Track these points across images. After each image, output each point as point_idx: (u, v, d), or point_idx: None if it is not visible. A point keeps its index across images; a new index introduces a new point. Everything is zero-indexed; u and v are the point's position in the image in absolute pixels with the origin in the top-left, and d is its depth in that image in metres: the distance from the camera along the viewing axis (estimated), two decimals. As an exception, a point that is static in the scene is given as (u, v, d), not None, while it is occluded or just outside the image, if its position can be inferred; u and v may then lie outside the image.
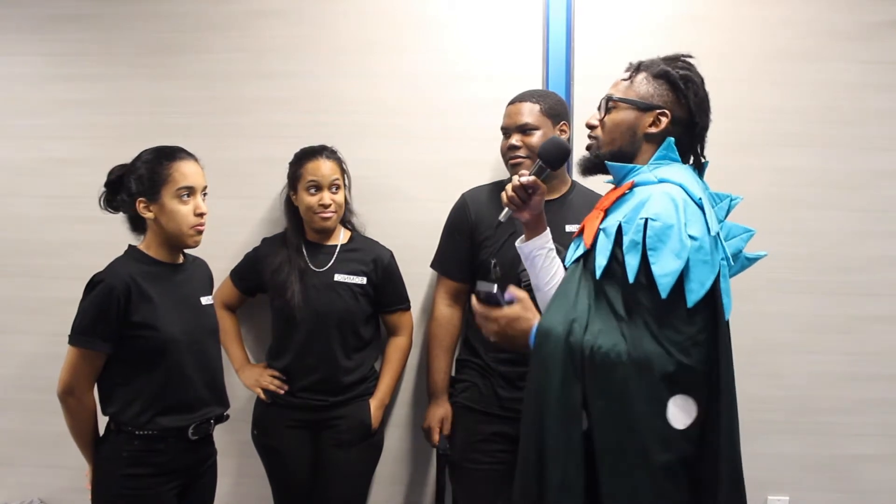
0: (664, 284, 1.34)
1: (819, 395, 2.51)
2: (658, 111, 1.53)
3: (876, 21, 2.47)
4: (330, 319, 2.28)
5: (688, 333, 1.35)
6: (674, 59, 1.58)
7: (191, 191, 1.93)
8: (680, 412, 1.35)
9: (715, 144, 2.41)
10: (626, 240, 1.40)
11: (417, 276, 2.49)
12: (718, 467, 1.38)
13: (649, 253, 1.36)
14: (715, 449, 1.38)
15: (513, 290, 1.52)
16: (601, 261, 1.42)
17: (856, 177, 2.49)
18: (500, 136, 2.28)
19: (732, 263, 1.52)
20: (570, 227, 2.15)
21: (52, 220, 2.62)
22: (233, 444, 2.45)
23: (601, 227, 1.48)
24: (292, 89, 2.56)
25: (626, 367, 1.33)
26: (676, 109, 1.53)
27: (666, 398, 1.34)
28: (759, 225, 1.64)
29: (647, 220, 1.38)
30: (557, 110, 2.23)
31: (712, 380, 1.39)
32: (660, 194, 1.41)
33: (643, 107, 1.54)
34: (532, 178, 1.67)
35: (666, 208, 1.38)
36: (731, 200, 1.59)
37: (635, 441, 1.35)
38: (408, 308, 2.45)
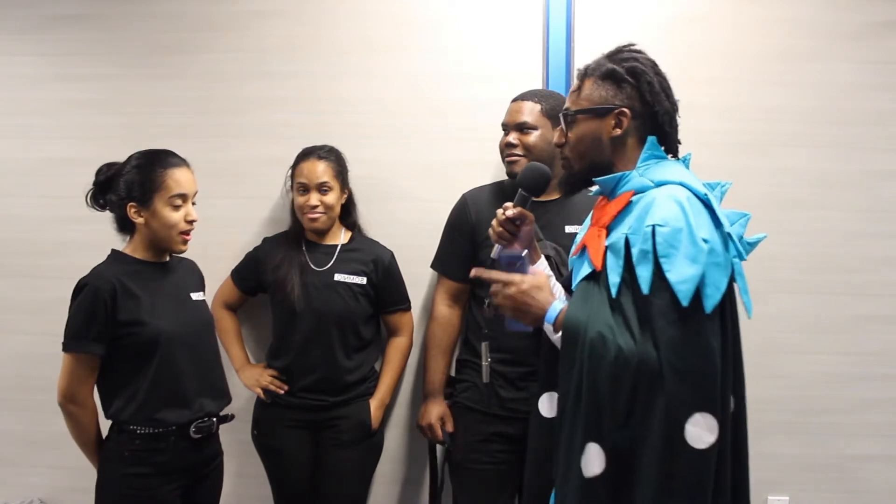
0: (684, 292, 1.29)
1: (819, 395, 2.51)
2: (616, 111, 1.48)
3: (876, 21, 2.47)
4: (330, 319, 2.28)
5: (707, 345, 1.30)
6: (617, 53, 1.53)
7: (183, 198, 1.94)
8: (700, 431, 1.29)
9: (715, 144, 2.45)
10: (634, 251, 1.35)
11: (417, 276, 2.49)
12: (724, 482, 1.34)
13: (662, 261, 1.31)
14: (724, 462, 1.34)
15: (534, 269, 1.53)
16: (614, 278, 1.36)
17: (856, 177, 2.49)
18: (501, 135, 2.28)
19: (745, 257, 1.45)
20: (569, 228, 2.15)
21: (52, 220, 2.62)
22: (233, 444, 2.44)
23: (607, 244, 1.42)
24: (292, 89, 2.56)
25: (642, 384, 1.30)
26: (633, 104, 1.48)
27: (683, 420, 1.29)
28: (759, 225, 1.63)
29: (654, 226, 1.33)
30: (559, 111, 2.21)
31: (724, 390, 1.33)
32: (663, 198, 1.37)
33: (600, 112, 1.49)
34: (517, 209, 1.60)
35: (672, 212, 1.34)
36: (722, 187, 1.55)
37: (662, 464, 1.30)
38: (408, 308, 2.45)
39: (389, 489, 2.58)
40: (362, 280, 2.33)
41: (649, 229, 1.34)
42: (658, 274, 1.31)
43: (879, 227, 2.49)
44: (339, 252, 2.36)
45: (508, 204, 1.61)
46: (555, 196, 2.24)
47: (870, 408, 2.51)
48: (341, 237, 2.39)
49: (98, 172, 1.99)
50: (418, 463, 2.58)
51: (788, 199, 2.49)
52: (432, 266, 2.40)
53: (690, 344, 1.29)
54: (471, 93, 2.52)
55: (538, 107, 2.20)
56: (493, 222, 1.61)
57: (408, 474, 2.59)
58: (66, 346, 1.88)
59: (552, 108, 2.21)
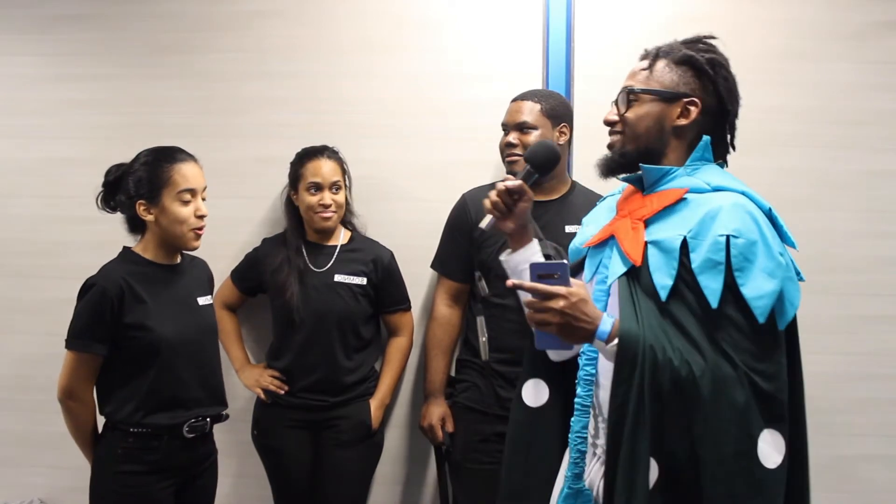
0: (762, 308, 1.24)
1: (819, 395, 2.50)
2: (686, 100, 1.40)
3: (876, 21, 2.47)
4: (330, 320, 2.28)
5: (779, 361, 1.27)
6: (695, 42, 1.45)
7: (192, 193, 1.93)
8: (770, 449, 1.25)
9: (715, 145, 2.44)
10: (696, 257, 1.27)
11: (417, 276, 2.49)
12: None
13: (736, 274, 1.25)
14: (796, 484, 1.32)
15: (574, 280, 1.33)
16: (664, 280, 1.29)
17: (856, 177, 2.48)
18: (501, 135, 2.28)
19: (804, 278, 1.38)
20: (569, 228, 2.15)
21: (52, 220, 2.62)
22: (233, 444, 2.45)
23: (650, 241, 1.34)
24: (292, 89, 2.56)
25: (707, 400, 1.23)
26: (705, 97, 1.41)
27: (756, 436, 1.24)
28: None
29: (728, 237, 1.26)
30: (559, 112, 2.23)
31: (793, 410, 1.30)
32: (731, 206, 1.29)
33: (669, 96, 1.40)
34: (519, 182, 1.50)
35: (744, 223, 1.27)
36: None
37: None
38: (408, 308, 2.45)
39: (390, 489, 2.58)
40: (362, 280, 2.33)
41: (722, 239, 1.26)
42: (731, 287, 1.26)
43: (879, 227, 2.49)
44: (338, 252, 2.36)
45: (510, 176, 1.54)
46: (555, 196, 2.24)
47: (870, 408, 2.51)
48: (340, 237, 2.39)
49: (107, 173, 1.99)
50: (419, 463, 2.58)
51: (788, 199, 2.48)
52: (432, 266, 2.40)
53: (766, 360, 1.25)
54: (471, 93, 2.52)
55: (538, 106, 2.20)
56: (491, 192, 1.53)
57: (408, 474, 2.59)
58: (70, 344, 1.88)
59: (552, 107, 2.22)
